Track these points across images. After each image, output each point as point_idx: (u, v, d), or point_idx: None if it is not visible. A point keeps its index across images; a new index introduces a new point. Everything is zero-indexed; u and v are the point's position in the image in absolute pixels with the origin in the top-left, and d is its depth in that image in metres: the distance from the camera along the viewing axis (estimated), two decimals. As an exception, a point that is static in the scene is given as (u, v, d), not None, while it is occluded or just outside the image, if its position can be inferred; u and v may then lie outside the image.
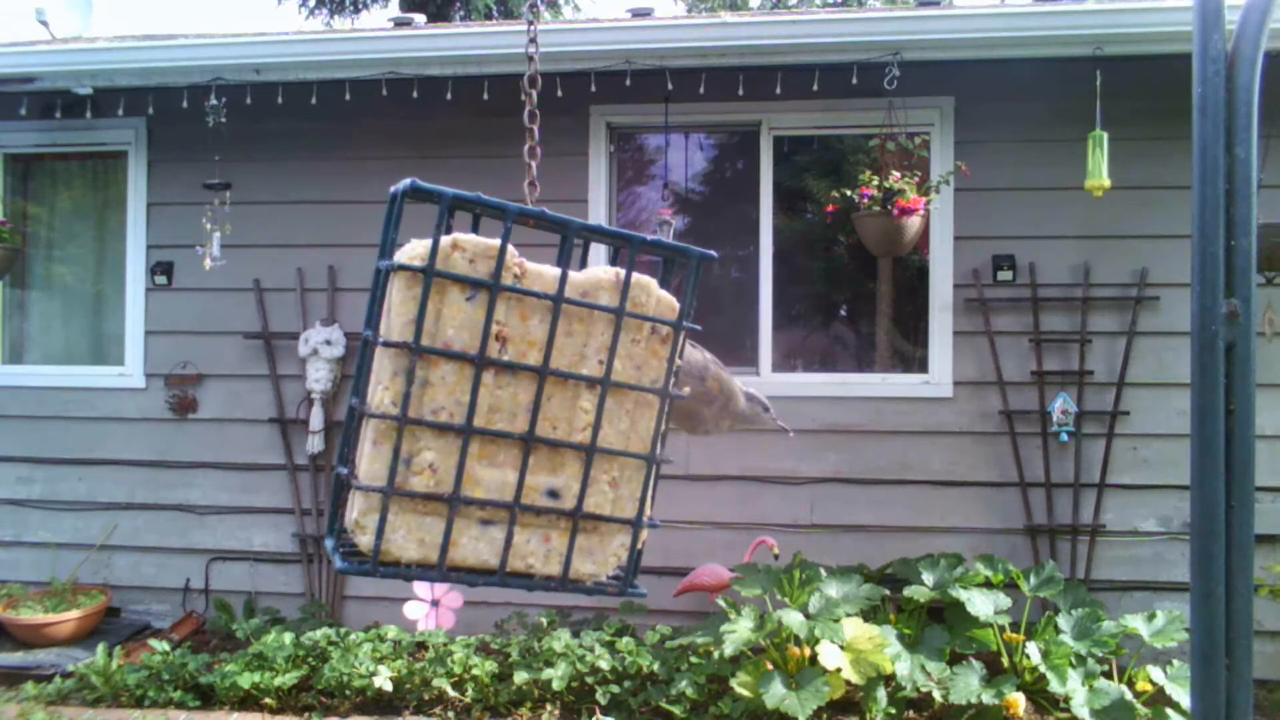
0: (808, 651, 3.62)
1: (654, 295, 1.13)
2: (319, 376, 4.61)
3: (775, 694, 3.38)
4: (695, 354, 1.54)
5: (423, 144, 4.71)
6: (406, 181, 1.06)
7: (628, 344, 1.12)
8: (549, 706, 3.80)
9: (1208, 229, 1.09)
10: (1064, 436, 4.29)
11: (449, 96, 4.23)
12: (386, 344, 1.06)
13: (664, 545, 4.22)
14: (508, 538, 1.11)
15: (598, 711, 3.73)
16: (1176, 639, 3.57)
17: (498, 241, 1.06)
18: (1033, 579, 3.90)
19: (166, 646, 4.13)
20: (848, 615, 3.65)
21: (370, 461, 1.07)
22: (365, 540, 1.07)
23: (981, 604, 3.71)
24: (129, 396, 4.91)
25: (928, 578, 3.92)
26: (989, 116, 4.41)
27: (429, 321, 1.05)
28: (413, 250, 1.06)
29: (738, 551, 4.28)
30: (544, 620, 4.15)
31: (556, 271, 1.09)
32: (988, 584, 3.90)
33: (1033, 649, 3.62)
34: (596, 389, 1.11)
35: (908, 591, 3.84)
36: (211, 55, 4.32)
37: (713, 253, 1.18)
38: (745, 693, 3.47)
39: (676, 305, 1.15)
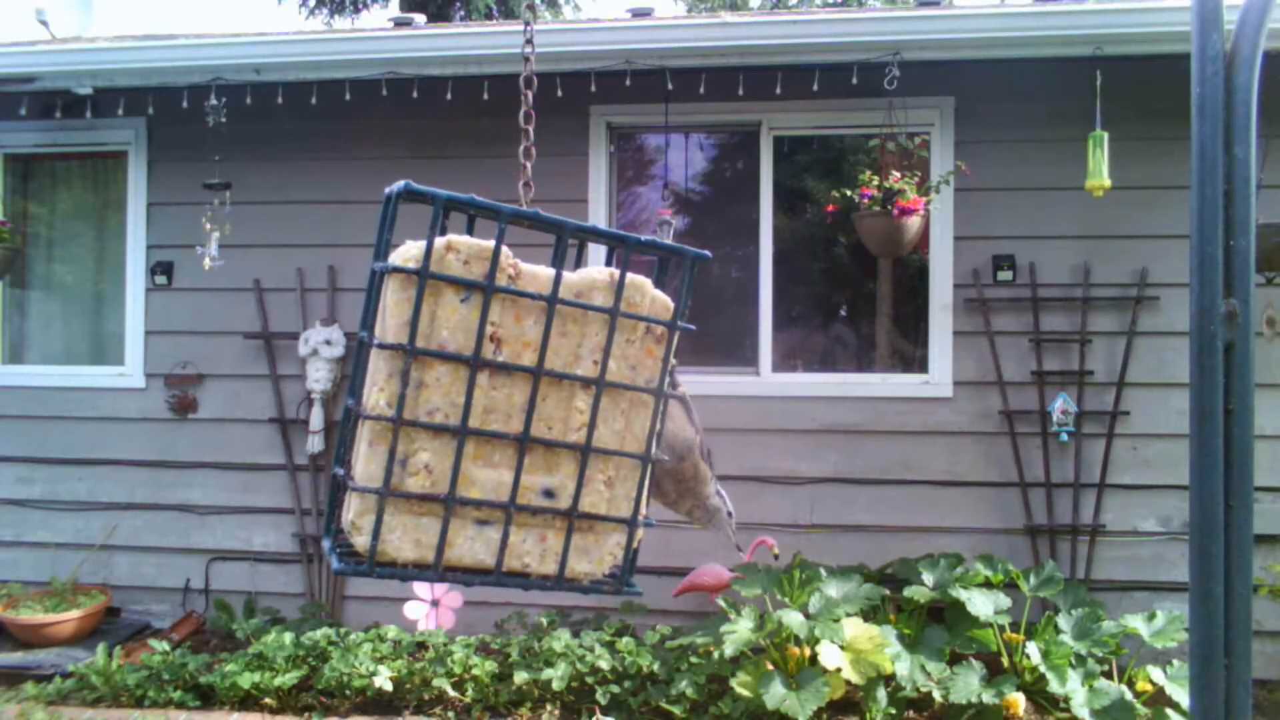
0: (808, 651, 3.62)
1: (649, 295, 1.13)
2: (319, 376, 4.61)
3: (775, 694, 3.38)
4: (687, 432, 1.51)
5: (422, 144, 4.71)
6: (400, 183, 1.06)
7: (622, 344, 1.12)
8: (549, 706, 3.80)
9: (1207, 229, 1.09)
10: (1064, 436, 4.28)
11: (449, 97, 4.22)
12: (381, 346, 1.06)
13: (664, 545, 4.21)
14: (504, 538, 1.11)
15: (598, 711, 3.72)
16: (1176, 639, 3.57)
17: (492, 243, 1.06)
18: (1033, 579, 3.90)
19: (166, 646, 4.12)
20: (848, 615, 3.65)
21: (366, 463, 1.07)
22: (361, 541, 1.07)
23: (981, 604, 3.70)
24: (129, 396, 4.91)
25: (928, 578, 3.92)
26: (989, 116, 4.40)
27: (424, 323, 1.05)
28: (407, 252, 1.06)
29: (738, 552, 4.27)
30: (544, 620, 4.15)
31: (551, 272, 1.09)
32: (988, 584, 3.89)
33: (1033, 649, 3.62)
34: (591, 389, 1.11)
35: (908, 591, 3.84)
36: (211, 55, 4.32)
37: (707, 253, 1.18)
38: (745, 693, 3.46)
39: (671, 305, 1.15)
